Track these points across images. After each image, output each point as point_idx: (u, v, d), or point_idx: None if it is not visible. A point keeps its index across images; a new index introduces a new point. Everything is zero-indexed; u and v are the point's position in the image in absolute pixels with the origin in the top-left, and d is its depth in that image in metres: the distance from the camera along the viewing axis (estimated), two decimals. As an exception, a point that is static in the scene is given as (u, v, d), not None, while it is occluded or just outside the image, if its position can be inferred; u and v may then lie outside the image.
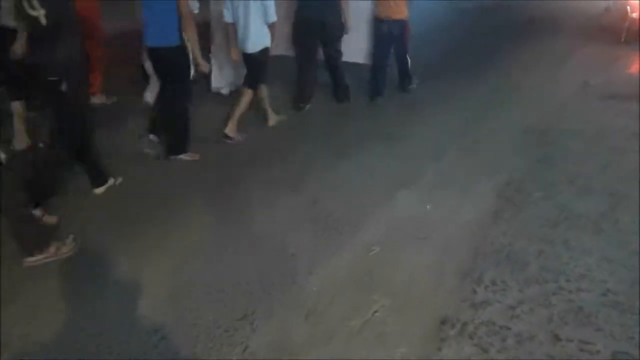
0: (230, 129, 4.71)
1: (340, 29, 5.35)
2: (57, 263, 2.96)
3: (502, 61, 8.21)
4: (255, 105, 5.00)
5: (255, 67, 4.72)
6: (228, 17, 4.59)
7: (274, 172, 4.14)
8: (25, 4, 3.05)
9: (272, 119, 5.11)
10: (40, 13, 3.06)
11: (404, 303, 2.69)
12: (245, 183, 3.95)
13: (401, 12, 5.44)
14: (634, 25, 9.78)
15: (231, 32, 4.66)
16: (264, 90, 4.93)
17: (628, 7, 10.13)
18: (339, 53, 5.50)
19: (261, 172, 4.15)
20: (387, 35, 5.52)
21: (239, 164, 4.31)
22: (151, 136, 4.51)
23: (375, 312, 2.62)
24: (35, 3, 3.04)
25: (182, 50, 3.95)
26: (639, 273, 2.92)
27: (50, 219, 3.35)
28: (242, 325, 2.54)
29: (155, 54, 4.07)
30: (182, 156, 4.30)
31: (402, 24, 5.55)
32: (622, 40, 9.87)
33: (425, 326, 2.54)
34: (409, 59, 5.97)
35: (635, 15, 9.81)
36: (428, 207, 3.63)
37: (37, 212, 3.28)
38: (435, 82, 6.53)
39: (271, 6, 4.48)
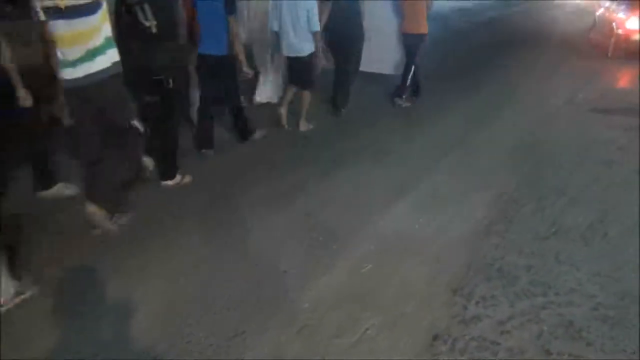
0: (302, 124, 5.52)
1: (360, 41, 5.98)
2: (48, 282, 2.93)
3: (492, 76, 8.32)
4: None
5: (305, 69, 5.27)
6: (275, 27, 5.16)
7: (265, 188, 4.15)
8: (140, 16, 3.63)
9: (304, 125, 5.57)
10: (152, 24, 3.66)
11: (395, 319, 2.68)
12: (236, 199, 3.96)
13: (420, 27, 6.16)
14: (620, 41, 9.98)
15: (275, 39, 5.32)
16: (308, 96, 5.46)
17: (614, 24, 10.33)
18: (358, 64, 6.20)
19: (252, 187, 4.16)
20: (408, 47, 6.35)
21: (231, 179, 4.33)
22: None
23: (367, 328, 2.62)
24: (150, 15, 3.64)
25: (228, 59, 4.51)
26: (629, 286, 2.94)
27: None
28: (235, 343, 2.53)
29: (206, 61, 4.52)
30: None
31: (420, 38, 6.22)
32: (609, 55, 10.06)
33: (416, 342, 2.54)
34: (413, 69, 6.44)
35: (621, 31, 10.01)
36: (420, 221, 3.64)
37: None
38: (426, 97, 6.61)
39: (315, 16, 5.01)
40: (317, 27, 5.05)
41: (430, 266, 3.15)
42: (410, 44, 6.30)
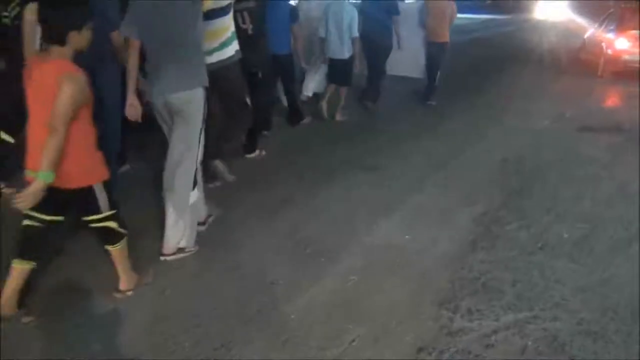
0: (338, 115, 6.68)
1: (388, 48, 6.93)
2: (34, 294, 2.93)
3: (481, 93, 8.43)
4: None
5: (345, 69, 6.43)
6: (322, 33, 6.30)
7: (255, 198, 4.18)
8: (239, 20, 4.53)
9: (339, 116, 6.70)
10: (249, 27, 4.70)
11: (381, 331, 2.70)
12: (225, 209, 3.98)
13: (442, 37, 7.35)
14: (610, 61, 10.15)
15: (322, 44, 6.41)
16: (345, 91, 6.62)
17: (603, 44, 10.51)
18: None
19: (242, 197, 4.18)
20: (431, 53, 7.51)
21: (222, 189, 4.35)
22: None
23: (353, 340, 2.63)
24: (247, 20, 4.68)
25: (290, 57, 5.85)
26: (613, 302, 2.98)
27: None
28: (221, 353, 2.53)
29: (275, 59, 5.51)
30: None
31: (443, 46, 7.40)
32: (599, 75, 10.21)
33: (402, 355, 2.55)
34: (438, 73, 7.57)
35: (610, 51, 10.18)
36: (407, 236, 3.68)
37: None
38: (414, 114, 6.70)
39: (355, 26, 6.22)
40: (357, 34, 6.23)
41: (416, 279, 3.17)
42: (433, 50, 7.42)
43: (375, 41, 6.73)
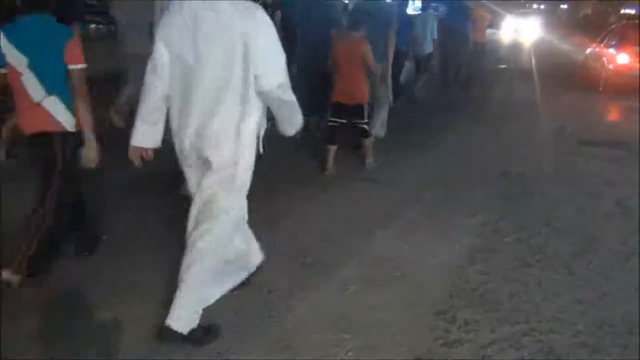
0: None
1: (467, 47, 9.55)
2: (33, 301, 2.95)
3: (483, 106, 8.48)
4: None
5: (427, 61, 8.99)
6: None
7: (253, 207, 4.19)
8: None
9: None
10: None
11: (377, 341, 2.70)
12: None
13: (482, 38, 10.23)
14: (611, 76, 10.20)
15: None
16: (426, 77, 9.25)
17: (604, 59, 10.57)
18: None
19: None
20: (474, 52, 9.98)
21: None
22: None
23: (349, 350, 2.64)
24: None
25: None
26: (609, 315, 2.98)
27: None
28: (217, 362, 2.54)
29: None
30: None
31: (483, 45, 10.40)
32: (600, 89, 10.26)
33: (397, 365, 2.56)
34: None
35: (611, 66, 10.24)
36: (405, 247, 3.69)
37: None
38: (411, 127, 6.73)
39: (435, 30, 8.54)
40: (436, 36, 8.60)
41: (414, 290, 3.18)
42: (477, 49, 9.88)
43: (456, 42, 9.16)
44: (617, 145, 6.39)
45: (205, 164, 2.54)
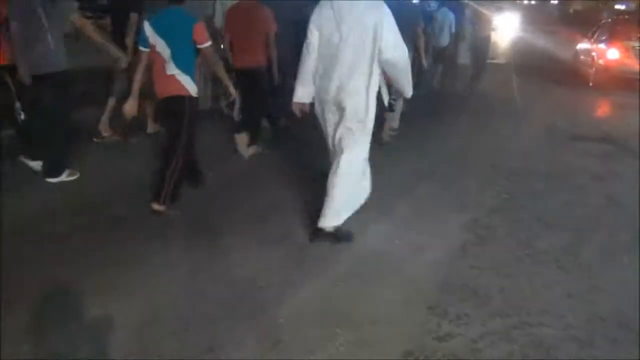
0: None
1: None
2: (19, 299, 2.92)
3: (469, 104, 8.50)
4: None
5: (446, 53, 9.12)
6: (429, 29, 7.98)
7: (245, 203, 4.19)
8: None
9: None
10: None
11: (369, 335, 2.71)
12: (214, 213, 3.99)
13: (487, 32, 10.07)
14: (601, 72, 10.26)
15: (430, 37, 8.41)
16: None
17: (594, 54, 10.62)
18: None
19: (233, 203, 4.20)
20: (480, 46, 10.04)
21: (210, 194, 4.37)
22: None
23: (341, 344, 2.64)
24: None
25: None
26: (598, 308, 3.01)
27: None
28: (209, 357, 2.53)
29: None
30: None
31: (488, 39, 10.18)
32: (591, 84, 10.32)
33: (389, 358, 2.56)
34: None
35: (602, 62, 10.30)
36: (396, 242, 3.70)
37: None
38: (405, 125, 6.72)
39: (453, 25, 8.80)
40: (454, 30, 8.85)
41: (405, 284, 3.19)
42: (481, 44, 9.84)
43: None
44: (607, 140, 6.43)
45: (340, 110, 3.49)
